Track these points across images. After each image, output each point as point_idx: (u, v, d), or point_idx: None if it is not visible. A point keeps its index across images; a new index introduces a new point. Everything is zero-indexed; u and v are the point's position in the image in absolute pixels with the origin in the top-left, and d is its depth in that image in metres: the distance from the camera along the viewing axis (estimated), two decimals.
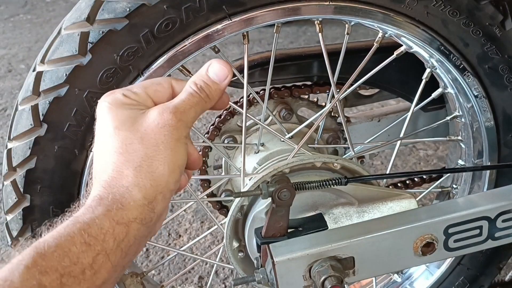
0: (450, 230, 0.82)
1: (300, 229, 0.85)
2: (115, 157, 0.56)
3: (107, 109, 0.58)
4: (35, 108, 0.77)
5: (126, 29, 0.74)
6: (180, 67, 0.83)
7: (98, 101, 0.60)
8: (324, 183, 0.79)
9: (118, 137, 0.57)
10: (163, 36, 0.76)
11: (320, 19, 0.84)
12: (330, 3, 0.79)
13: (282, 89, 1.07)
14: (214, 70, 0.63)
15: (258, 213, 0.88)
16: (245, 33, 0.83)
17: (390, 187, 1.22)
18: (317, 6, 0.80)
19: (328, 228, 0.85)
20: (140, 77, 0.79)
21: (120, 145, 0.56)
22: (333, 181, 0.80)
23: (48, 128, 0.79)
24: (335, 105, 0.93)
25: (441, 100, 1.06)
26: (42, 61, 0.77)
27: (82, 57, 0.74)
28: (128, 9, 0.73)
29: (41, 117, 0.78)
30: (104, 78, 0.76)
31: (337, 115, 1.11)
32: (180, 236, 1.87)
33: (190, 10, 0.75)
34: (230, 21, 0.78)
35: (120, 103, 0.59)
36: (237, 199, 0.87)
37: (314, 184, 0.79)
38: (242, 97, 0.99)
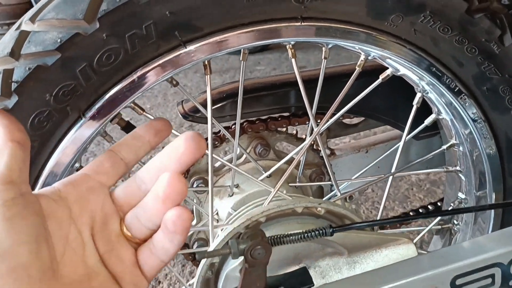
0: (458, 282, 0.71)
1: (281, 287, 0.72)
2: None
3: None
4: None
5: (59, 63, 0.61)
6: (132, 104, 0.71)
7: None
8: (306, 235, 0.66)
9: None
10: (106, 70, 0.64)
11: (292, 42, 0.73)
12: (302, 23, 0.68)
13: (256, 122, 0.95)
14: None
15: (231, 271, 0.74)
16: (206, 62, 0.72)
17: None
18: (287, 27, 0.68)
19: (313, 285, 0.72)
20: (82, 119, 0.66)
21: None
22: (317, 232, 0.67)
23: None
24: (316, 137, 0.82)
25: (435, 126, 0.95)
26: None
27: (6, 99, 0.61)
28: (59, 40, 0.60)
29: None
30: (36, 122, 0.64)
31: (319, 149, 0.99)
32: (160, 282, 1.72)
33: (136, 38, 0.63)
34: (186, 49, 0.66)
35: None
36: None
37: (294, 237, 0.66)
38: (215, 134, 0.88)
